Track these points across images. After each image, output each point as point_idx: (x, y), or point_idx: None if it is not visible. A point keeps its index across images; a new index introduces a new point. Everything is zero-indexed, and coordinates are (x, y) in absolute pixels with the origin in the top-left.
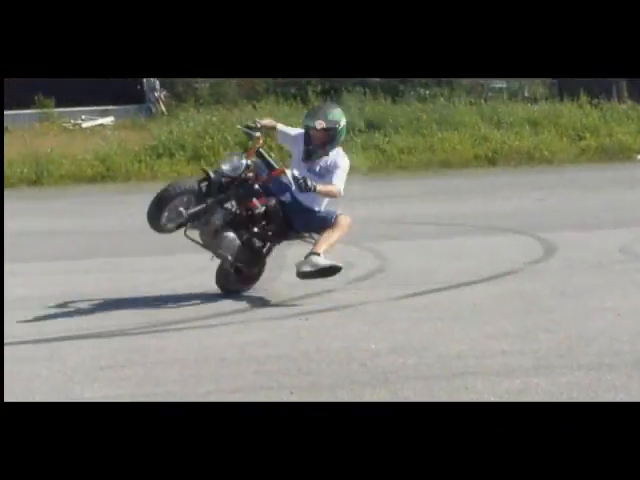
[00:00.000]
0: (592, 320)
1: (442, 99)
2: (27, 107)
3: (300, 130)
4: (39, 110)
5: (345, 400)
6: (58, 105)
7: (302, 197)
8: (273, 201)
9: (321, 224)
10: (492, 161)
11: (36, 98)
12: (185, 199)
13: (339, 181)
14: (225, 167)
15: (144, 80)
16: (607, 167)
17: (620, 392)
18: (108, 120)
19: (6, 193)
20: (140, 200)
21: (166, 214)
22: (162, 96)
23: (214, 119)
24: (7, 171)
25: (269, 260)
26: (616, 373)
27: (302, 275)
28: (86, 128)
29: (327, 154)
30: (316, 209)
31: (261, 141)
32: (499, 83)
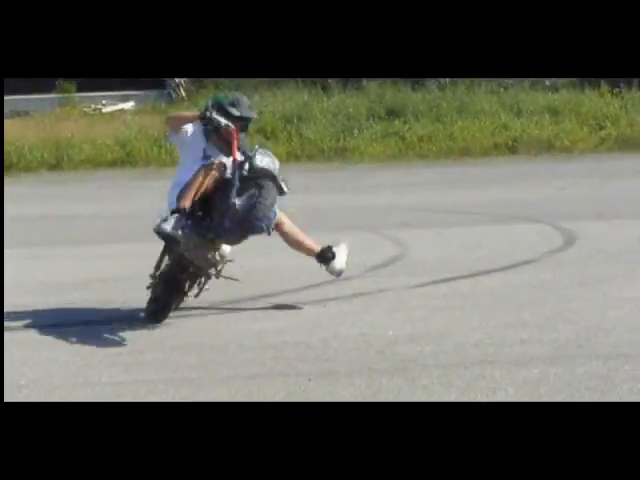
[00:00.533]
0: (611, 310)
1: (462, 87)
2: (49, 92)
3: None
4: (60, 95)
5: (362, 388)
6: (80, 90)
7: None
8: None
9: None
10: (512, 150)
11: (57, 83)
12: None
13: None
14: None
15: None
16: (627, 156)
17: (638, 382)
18: (129, 105)
19: (26, 177)
20: (159, 185)
21: None
22: (182, 82)
23: None
24: (28, 155)
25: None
26: (634, 363)
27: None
28: (106, 113)
29: None
30: None
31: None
32: None
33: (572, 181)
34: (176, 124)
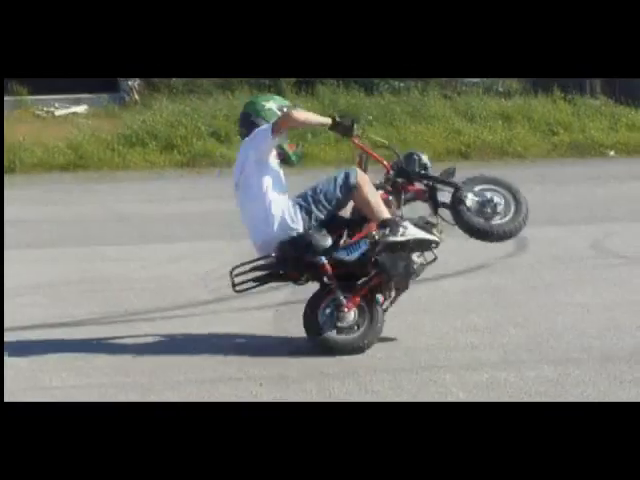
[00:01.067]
0: (561, 315)
1: (416, 92)
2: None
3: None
4: (12, 97)
5: (313, 392)
6: (32, 93)
7: None
8: None
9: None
10: (465, 155)
11: (9, 85)
12: None
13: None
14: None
15: None
16: (579, 163)
17: (588, 387)
18: (81, 108)
19: None
20: (112, 189)
21: None
22: (136, 85)
23: (187, 109)
24: None
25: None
26: (584, 368)
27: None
28: (59, 116)
29: None
30: None
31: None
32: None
33: (524, 187)
34: (294, 125)
